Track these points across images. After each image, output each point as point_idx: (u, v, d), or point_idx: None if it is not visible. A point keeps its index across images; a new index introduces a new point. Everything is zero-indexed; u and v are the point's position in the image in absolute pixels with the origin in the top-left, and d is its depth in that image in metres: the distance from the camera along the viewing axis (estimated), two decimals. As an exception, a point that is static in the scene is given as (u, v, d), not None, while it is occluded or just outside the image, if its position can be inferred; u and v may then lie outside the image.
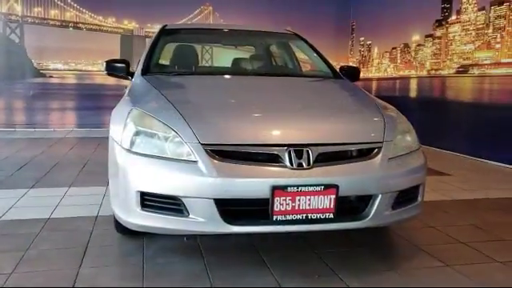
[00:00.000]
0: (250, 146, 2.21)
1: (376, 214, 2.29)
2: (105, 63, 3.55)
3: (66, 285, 2.20)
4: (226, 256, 2.57)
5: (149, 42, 3.77)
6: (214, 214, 2.14)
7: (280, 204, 2.12)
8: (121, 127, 2.46)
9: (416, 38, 12.70)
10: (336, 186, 2.16)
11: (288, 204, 2.13)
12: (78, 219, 3.17)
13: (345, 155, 2.30)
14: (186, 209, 2.17)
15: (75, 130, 8.22)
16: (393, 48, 12.29)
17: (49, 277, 2.29)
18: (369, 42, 13.32)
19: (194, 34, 4.21)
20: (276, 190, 2.10)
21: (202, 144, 2.19)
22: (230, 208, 2.16)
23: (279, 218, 2.14)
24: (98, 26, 17.75)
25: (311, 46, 3.99)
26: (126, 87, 3.46)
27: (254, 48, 4.41)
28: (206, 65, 3.84)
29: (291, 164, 2.17)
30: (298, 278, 2.33)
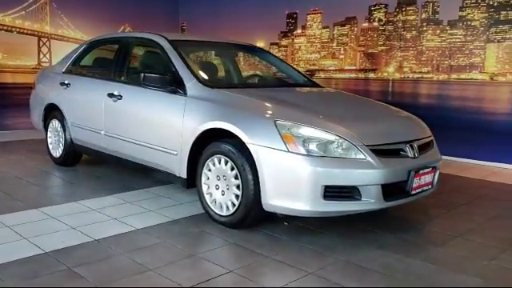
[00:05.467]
0: (389, 145, 3.13)
1: (436, 183, 3.51)
2: (142, 75, 3.64)
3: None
4: (339, 232, 3.32)
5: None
6: (380, 195, 2.97)
7: (415, 182, 3.12)
8: (272, 137, 2.97)
9: (261, 44, 14.18)
10: (435, 167, 3.29)
11: (417, 182, 3.15)
12: (168, 225, 3.35)
13: (426, 146, 3.43)
14: (360, 194, 2.94)
15: None
16: (234, 51, 13.49)
17: (285, 260, 2.72)
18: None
19: (198, 47, 4.49)
20: (415, 173, 3.09)
21: (366, 145, 2.98)
22: (385, 189, 3.02)
23: (413, 192, 3.14)
24: None
25: (282, 60, 4.92)
26: None
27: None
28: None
29: (411, 154, 3.18)
30: (412, 229, 3.35)
